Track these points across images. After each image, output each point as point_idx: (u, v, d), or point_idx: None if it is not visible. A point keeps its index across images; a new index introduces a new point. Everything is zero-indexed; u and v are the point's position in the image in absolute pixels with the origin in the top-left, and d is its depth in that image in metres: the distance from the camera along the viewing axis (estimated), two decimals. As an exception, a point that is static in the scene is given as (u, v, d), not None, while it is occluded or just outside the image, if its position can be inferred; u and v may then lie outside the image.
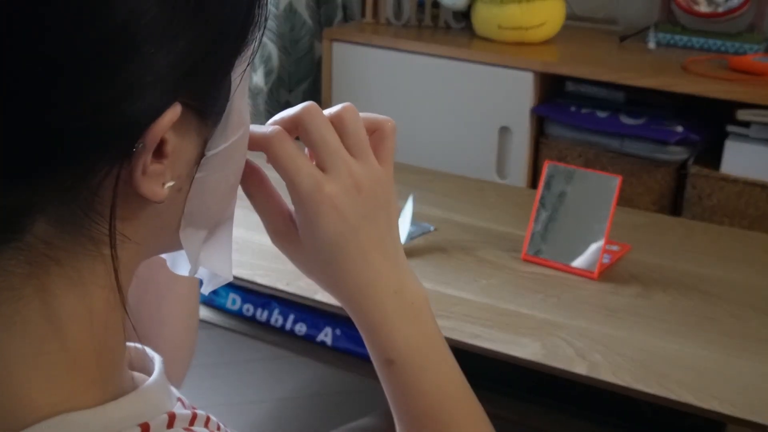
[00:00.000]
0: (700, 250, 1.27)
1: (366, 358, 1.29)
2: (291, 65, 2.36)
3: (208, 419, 0.50)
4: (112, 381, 0.46)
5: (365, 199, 0.54)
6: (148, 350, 0.53)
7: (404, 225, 1.23)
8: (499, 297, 1.11)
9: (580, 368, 0.96)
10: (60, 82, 0.39)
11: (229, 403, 1.84)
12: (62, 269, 0.43)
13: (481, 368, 1.23)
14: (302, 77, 2.38)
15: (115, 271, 0.44)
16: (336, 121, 0.54)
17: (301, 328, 1.39)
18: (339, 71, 2.19)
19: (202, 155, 0.47)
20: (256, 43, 0.47)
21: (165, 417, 0.46)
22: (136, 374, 0.50)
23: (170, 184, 0.45)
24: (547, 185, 1.21)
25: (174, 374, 0.73)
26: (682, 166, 1.89)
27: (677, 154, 1.90)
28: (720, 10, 2.03)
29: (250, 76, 0.49)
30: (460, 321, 1.05)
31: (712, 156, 1.87)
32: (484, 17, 2.11)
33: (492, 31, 2.11)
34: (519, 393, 1.26)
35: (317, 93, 2.36)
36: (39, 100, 0.39)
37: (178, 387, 0.75)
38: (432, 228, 1.31)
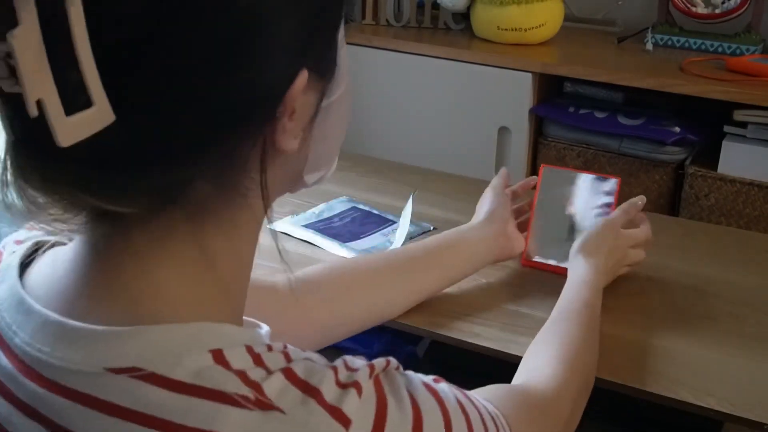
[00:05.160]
0: (698, 249, 1.27)
1: (366, 357, 1.29)
2: (291, 66, 2.37)
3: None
4: (239, 316, 0.56)
5: None
6: (261, 324, 0.58)
7: (404, 225, 1.24)
8: (498, 296, 1.12)
9: (578, 366, 0.97)
10: (208, 70, 0.45)
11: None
12: (216, 219, 0.52)
13: (481, 367, 1.24)
14: (302, 78, 2.39)
15: (266, 209, 0.54)
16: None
17: (302, 328, 1.39)
18: (339, 72, 2.20)
19: (319, 107, 0.54)
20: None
21: (281, 343, 0.53)
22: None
23: (299, 136, 0.52)
24: (544, 189, 1.20)
25: None
26: (680, 166, 1.91)
27: (675, 154, 1.91)
28: (717, 11, 2.04)
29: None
30: (459, 320, 1.06)
31: (709, 156, 1.88)
32: (484, 18, 2.12)
33: (491, 32, 2.12)
34: (518, 391, 1.27)
35: (317, 93, 2.37)
36: (193, 90, 0.45)
37: None
38: (431, 228, 1.31)
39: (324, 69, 0.53)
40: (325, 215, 1.32)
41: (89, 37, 0.41)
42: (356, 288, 0.95)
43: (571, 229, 1.17)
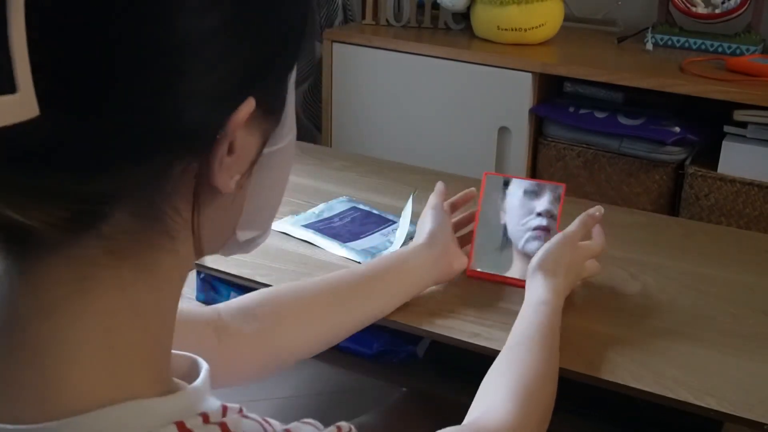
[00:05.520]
0: (698, 249, 1.27)
1: (366, 357, 1.29)
2: (291, 66, 2.37)
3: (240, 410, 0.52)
4: (165, 378, 0.49)
5: None
6: (200, 360, 0.54)
7: (404, 224, 1.24)
8: (498, 296, 1.12)
9: (577, 366, 0.97)
10: (143, 81, 0.41)
11: (229, 402, 1.85)
12: (137, 261, 0.45)
13: (481, 367, 1.24)
14: (303, 78, 2.39)
15: (198, 247, 0.48)
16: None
17: (301, 328, 1.39)
18: (339, 72, 2.20)
19: (260, 154, 0.50)
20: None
21: (219, 405, 0.48)
22: (178, 380, 0.51)
23: (236, 177, 0.48)
24: (487, 197, 1.17)
25: None
26: (680, 166, 1.90)
27: (675, 154, 1.91)
28: (717, 11, 2.04)
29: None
30: (459, 320, 1.06)
31: (709, 156, 1.88)
32: (484, 18, 2.12)
33: (491, 32, 2.12)
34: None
35: (318, 94, 2.37)
36: (124, 98, 0.41)
37: None
38: (432, 228, 1.31)
39: (271, 106, 0.49)
40: (325, 215, 1.32)
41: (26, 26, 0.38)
42: (294, 317, 0.92)
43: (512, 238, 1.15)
